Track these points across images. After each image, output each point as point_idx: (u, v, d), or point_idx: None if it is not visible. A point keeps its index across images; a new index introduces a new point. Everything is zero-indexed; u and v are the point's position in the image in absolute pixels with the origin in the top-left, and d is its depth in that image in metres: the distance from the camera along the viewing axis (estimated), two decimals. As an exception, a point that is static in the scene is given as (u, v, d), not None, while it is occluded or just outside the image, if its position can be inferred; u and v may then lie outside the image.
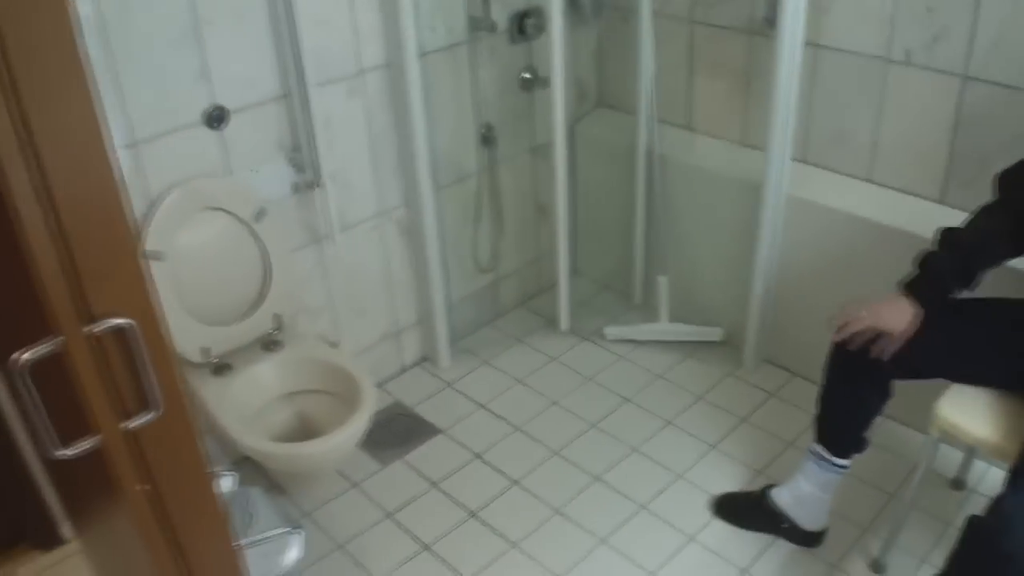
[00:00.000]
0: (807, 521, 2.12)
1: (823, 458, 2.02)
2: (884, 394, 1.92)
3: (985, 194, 1.90)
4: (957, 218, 1.87)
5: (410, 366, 2.83)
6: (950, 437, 1.84)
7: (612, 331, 2.89)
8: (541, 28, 2.61)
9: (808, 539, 2.15)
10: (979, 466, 2.30)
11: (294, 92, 2.17)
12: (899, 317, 1.79)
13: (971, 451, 2.21)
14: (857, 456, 2.02)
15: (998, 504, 1.57)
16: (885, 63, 2.33)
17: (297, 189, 2.28)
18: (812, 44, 2.41)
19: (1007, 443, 1.71)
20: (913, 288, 1.81)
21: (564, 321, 2.90)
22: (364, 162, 2.43)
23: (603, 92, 3.02)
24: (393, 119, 2.43)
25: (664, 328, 2.87)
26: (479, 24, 2.51)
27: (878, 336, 1.81)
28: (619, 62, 2.86)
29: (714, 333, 2.83)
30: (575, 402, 2.67)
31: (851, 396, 1.96)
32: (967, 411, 1.80)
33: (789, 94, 2.32)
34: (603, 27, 2.86)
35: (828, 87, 2.47)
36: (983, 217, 1.82)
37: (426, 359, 2.85)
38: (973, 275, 1.79)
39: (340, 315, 2.54)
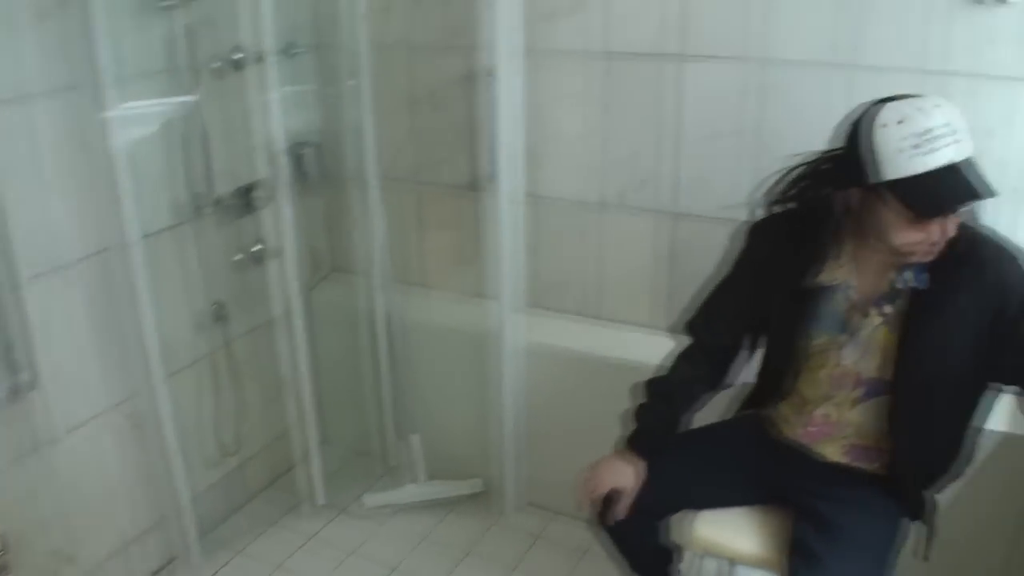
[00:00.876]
0: None
1: None
2: (662, 528, 1.98)
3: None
4: (682, 345, 1.99)
5: (158, 570, 2.57)
6: (712, 553, 1.91)
7: (370, 499, 2.81)
8: (268, 200, 2.59)
9: None
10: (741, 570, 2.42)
11: (3, 287, 1.99)
12: (623, 476, 1.85)
13: (730, 561, 2.29)
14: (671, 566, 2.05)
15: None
16: (600, 207, 2.53)
17: (12, 394, 2.07)
18: (532, 196, 2.57)
19: (769, 552, 1.79)
20: (632, 443, 1.88)
21: (319, 495, 2.78)
22: (87, 356, 2.25)
23: (337, 257, 3.03)
24: (117, 307, 2.28)
25: (422, 488, 2.82)
26: (203, 200, 2.45)
27: (616, 495, 1.85)
28: (344, 228, 2.89)
29: (474, 485, 2.83)
30: (340, 580, 2.55)
31: (635, 543, 1.99)
32: (723, 528, 1.86)
33: (514, 244, 2.45)
34: (330, 193, 2.88)
35: (551, 234, 2.63)
36: (683, 364, 1.93)
37: (175, 558, 2.60)
38: (681, 421, 1.91)
39: (73, 526, 2.29)
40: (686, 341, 1.95)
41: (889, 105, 1.51)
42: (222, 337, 2.63)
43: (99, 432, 2.32)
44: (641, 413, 1.90)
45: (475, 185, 2.62)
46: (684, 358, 1.94)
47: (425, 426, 2.81)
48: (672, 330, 2.48)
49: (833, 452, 1.81)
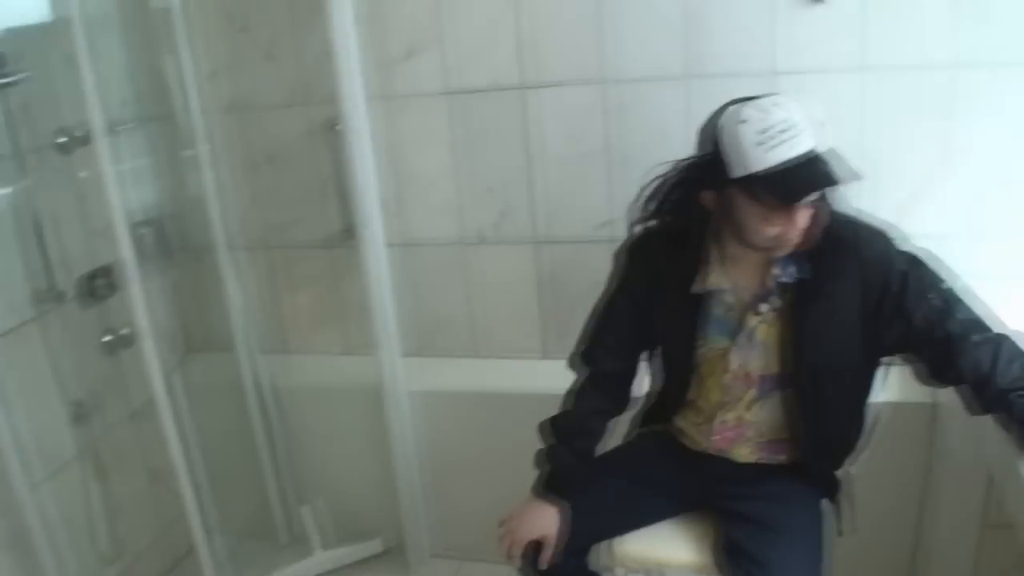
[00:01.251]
0: None
1: None
2: (587, 563, 1.93)
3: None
4: (562, 369, 1.96)
5: None
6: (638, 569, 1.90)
7: (275, 577, 2.68)
8: (116, 286, 2.46)
9: None
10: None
11: None
12: (542, 524, 1.80)
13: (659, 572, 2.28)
14: None
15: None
16: (464, 246, 2.53)
17: None
18: (402, 241, 2.56)
19: (698, 556, 1.79)
20: (549, 486, 1.85)
21: (219, 583, 2.62)
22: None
23: (196, 335, 2.89)
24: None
25: (320, 559, 2.70)
26: (45, 295, 2.28)
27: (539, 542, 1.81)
28: (206, 301, 2.77)
29: (373, 547, 2.74)
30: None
31: None
32: (649, 541, 1.86)
33: (389, 293, 2.40)
34: (181, 270, 2.75)
35: (426, 277, 2.61)
36: (582, 397, 1.92)
37: None
38: (588, 457, 1.89)
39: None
40: (581, 373, 1.94)
41: (744, 104, 1.56)
42: (88, 436, 2.45)
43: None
44: (551, 455, 1.87)
45: (343, 238, 2.57)
46: (581, 391, 1.93)
47: (325, 491, 2.72)
48: (554, 356, 2.53)
49: (744, 454, 1.83)
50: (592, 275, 2.37)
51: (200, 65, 2.43)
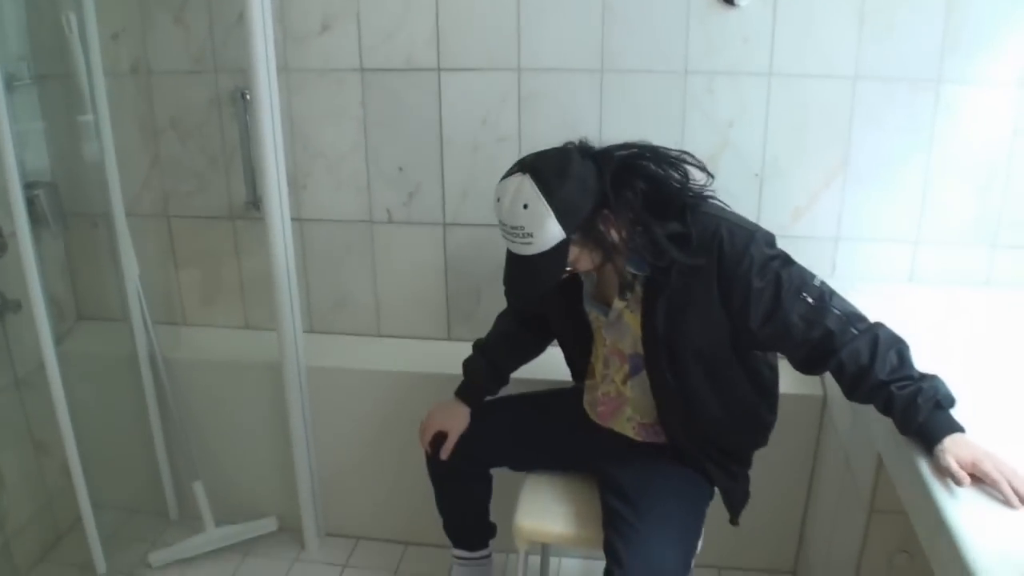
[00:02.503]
0: None
1: (466, 559, 2.21)
2: (487, 482, 2.15)
3: (484, 323, 2.18)
4: (464, 350, 2.13)
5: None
6: (537, 545, 1.94)
7: (157, 557, 2.59)
8: (5, 247, 2.35)
9: None
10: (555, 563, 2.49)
11: None
12: (450, 417, 2.05)
13: (544, 552, 2.33)
14: (492, 541, 2.23)
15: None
16: (370, 224, 2.51)
17: None
18: (300, 218, 2.52)
19: (588, 531, 1.87)
20: (460, 391, 2.09)
21: (99, 563, 2.52)
22: None
23: (82, 304, 2.79)
24: None
25: (212, 536, 2.65)
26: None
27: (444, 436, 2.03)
28: (96, 270, 2.68)
29: (268, 524, 2.70)
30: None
31: (461, 493, 2.14)
32: (543, 515, 1.93)
33: (288, 271, 2.36)
34: (74, 236, 2.65)
35: (321, 256, 2.58)
36: (500, 321, 2.16)
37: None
38: (503, 372, 2.12)
39: None
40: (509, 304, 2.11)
41: (504, 179, 1.68)
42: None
43: None
44: (466, 366, 2.11)
45: (246, 210, 2.51)
46: (501, 316, 2.17)
47: (213, 469, 2.65)
48: (458, 337, 2.56)
49: (627, 430, 1.94)
50: (498, 258, 2.39)
51: (104, 25, 2.33)
